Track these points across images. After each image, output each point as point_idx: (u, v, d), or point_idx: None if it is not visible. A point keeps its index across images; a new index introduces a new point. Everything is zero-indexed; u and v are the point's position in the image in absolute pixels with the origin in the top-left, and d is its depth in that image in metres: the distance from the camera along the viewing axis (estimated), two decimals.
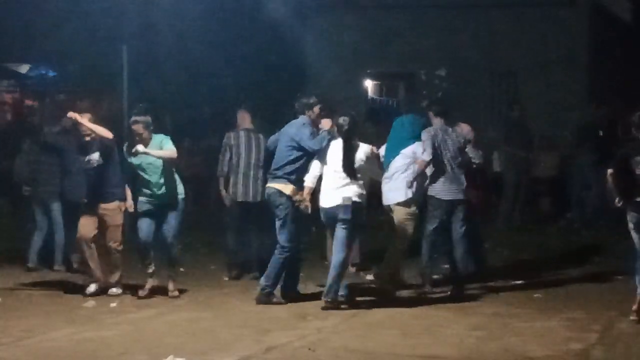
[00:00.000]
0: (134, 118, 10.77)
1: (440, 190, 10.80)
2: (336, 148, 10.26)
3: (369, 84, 21.92)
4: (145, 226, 10.81)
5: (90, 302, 10.37)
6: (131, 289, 10.96)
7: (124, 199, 10.99)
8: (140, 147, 10.54)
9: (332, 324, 9.44)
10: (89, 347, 8.42)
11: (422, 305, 10.33)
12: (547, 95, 19.81)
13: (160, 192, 10.78)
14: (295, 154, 10.43)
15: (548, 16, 20.15)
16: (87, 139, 10.80)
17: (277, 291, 10.48)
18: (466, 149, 11.05)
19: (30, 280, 11.91)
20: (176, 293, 10.89)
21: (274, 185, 10.50)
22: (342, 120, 10.31)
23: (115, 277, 10.95)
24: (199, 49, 20.89)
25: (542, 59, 20.01)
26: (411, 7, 20.80)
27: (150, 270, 10.90)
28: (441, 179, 10.79)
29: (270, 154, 10.96)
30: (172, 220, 10.85)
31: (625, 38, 22.14)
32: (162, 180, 10.77)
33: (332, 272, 10.10)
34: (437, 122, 10.99)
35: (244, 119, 12.17)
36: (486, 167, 13.52)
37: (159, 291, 10.92)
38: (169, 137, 10.89)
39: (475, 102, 19.90)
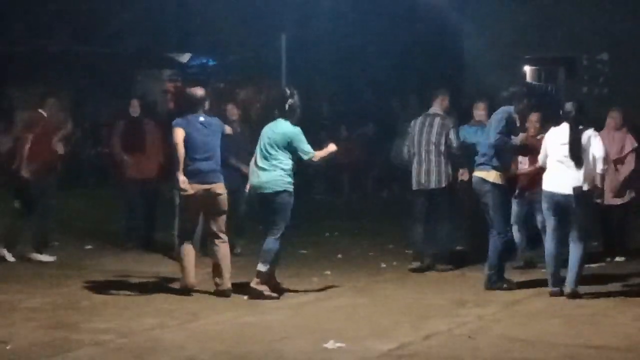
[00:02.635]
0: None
1: None
2: (561, 134, 9.92)
3: (527, 70, 21.58)
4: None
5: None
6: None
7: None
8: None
9: (492, 312, 9.35)
10: (251, 331, 8.55)
11: (585, 294, 10.12)
12: None
13: None
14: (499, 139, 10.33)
15: None
16: None
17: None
18: None
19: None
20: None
21: (477, 173, 10.49)
22: (569, 105, 9.97)
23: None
24: (357, 37, 20.97)
25: None
26: None
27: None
28: None
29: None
30: None
31: None
32: None
33: (576, 263, 9.82)
34: None
35: (434, 103, 11.83)
36: None
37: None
38: None
39: (638, 87, 19.35)
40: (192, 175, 10.03)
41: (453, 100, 12.12)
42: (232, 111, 12.81)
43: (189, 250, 10.20)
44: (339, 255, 13.02)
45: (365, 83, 21.73)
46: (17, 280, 10.90)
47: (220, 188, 10.14)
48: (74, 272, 11.47)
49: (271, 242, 9.98)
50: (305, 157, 10.01)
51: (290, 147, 9.97)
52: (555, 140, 9.96)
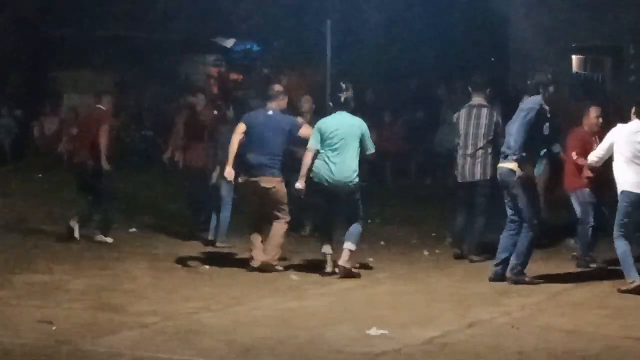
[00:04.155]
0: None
1: None
2: (634, 131, 9.56)
3: (573, 59, 21.40)
4: None
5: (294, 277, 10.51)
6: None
7: None
8: None
9: (535, 301, 9.31)
10: (294, 316, 8.58)
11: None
12: None
13: None
14: (527, 133, 9.89)
15: None
16: None
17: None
18: None
19: (235, 251, 12.18)
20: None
21: (504, 164, 10.11)
22: None
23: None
24: (402, 22, 20.88)
25: None
26: None
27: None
28: None
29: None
30: None
31: None
32: None
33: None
34: None
35: (474, 95, 11.64)
36: None
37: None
38: None
39: None
40: (241, 167, 10.66)
41: (497, 89, 12.00)
42: (305, 104, 13.09)
43: (255, 237, 10.72)
44: (382, 243, 13.01)
45: (411, 69, 21.63)
46: (63, 261, 11.01)
47: (265, 181, 10.53)
48: (119, 255, 11.58)
49: (358, 226, 10.56)
50: (371, 151, 10.54)
51: (358, 140, 10.42)
52: (628, 138, 9.59)
